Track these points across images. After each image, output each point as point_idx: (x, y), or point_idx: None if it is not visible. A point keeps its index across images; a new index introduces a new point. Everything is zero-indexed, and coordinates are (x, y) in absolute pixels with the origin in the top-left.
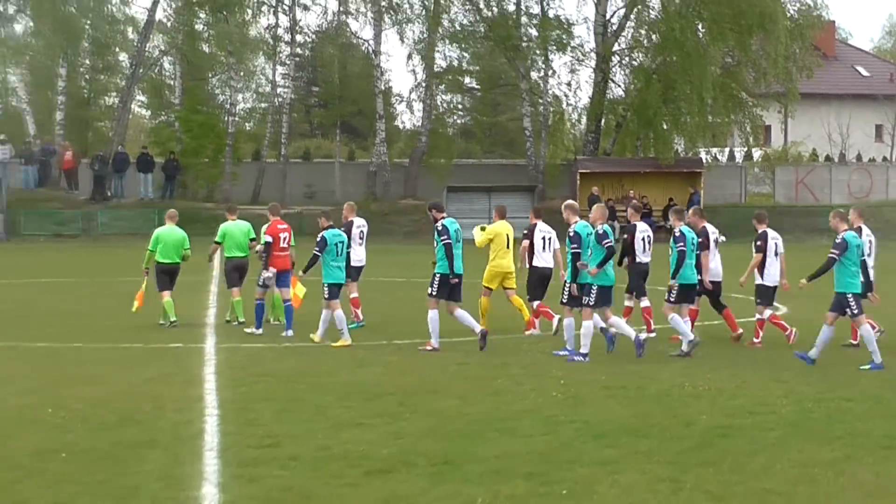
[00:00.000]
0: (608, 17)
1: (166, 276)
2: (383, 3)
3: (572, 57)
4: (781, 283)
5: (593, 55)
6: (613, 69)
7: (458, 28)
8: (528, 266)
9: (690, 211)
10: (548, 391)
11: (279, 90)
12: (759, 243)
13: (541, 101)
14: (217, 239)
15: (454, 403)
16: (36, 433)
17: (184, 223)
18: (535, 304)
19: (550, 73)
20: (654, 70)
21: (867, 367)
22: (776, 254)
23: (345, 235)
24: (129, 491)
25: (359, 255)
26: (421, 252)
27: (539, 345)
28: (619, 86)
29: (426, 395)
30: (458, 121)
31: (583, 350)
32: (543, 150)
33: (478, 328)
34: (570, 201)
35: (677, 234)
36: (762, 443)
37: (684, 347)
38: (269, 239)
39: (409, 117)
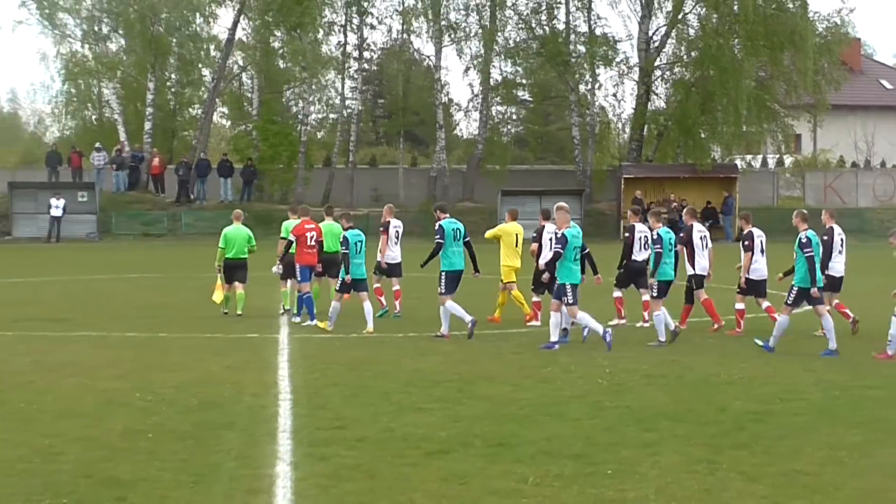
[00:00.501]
0: (650, 34)
1: (233, 270)
2: (443, 23)
3: (617, 71)
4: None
5: (637, 69)
6: (655, 82)
7: (512, 45)
8: (535, 263)
9: (685, 210)
10: (594, 379)
11: (348, 102)
12: (746, 242)
13: (588, 111)
14: (283, 235)
15: (508, 389)
16: (125, 415)
17: (260, 224)
18: (536, 298)
19: (597, 86)
20: (693, 83)
21: (825, 353)
22: (762, 251)
23: (363, 235)
24: (210, 468)
25: (394, 253)
26: (477, 250)
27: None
28: (661, 98)
29: (482, 381)
30: (512, 130)
31: (552, 339)
32: (590, 157)
33: (468, 318)
34: (561, 204)
35: (655, 237)
36: (792, 427)
37: (661, 339)
38: (293, 238)
39: (466, 127)
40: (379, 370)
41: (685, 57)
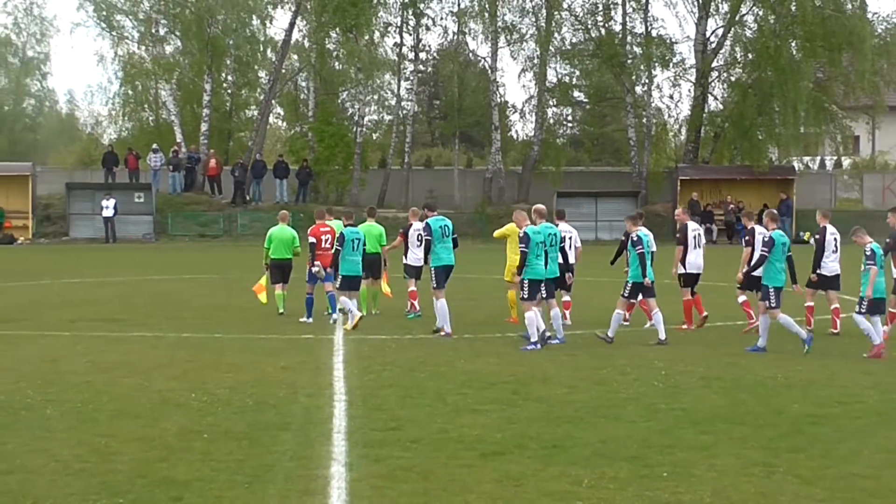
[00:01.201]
0: (708, 35)
1: (279, 270)
2: (499, 24)
3: (674, 73)
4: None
5: (693, 71)
6: (712, 84)
7: (568, 46)
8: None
9: (679, 209)
10: (649, 381)
11: (403, 103)
12: (747, 238)
13: (644, 113)
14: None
15: (563, 391)
16: (180, 416)
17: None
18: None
19: (653, 87)
20: (751, 85)
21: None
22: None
23: (362, 233)
24: (265, 469)
25: (417, 256)
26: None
27: (641, 338)
28: (717, 99)
29: (537, 383)
30: (568, 131)
31: (532, 338)
32: (647, 159)
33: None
34: (531, 207)
35: (635, 239)
36: (850, 430)
37: (610, 333)
38: (313, 240)
39: (522, 128)
40: (434, 371)
41: (742, 58)
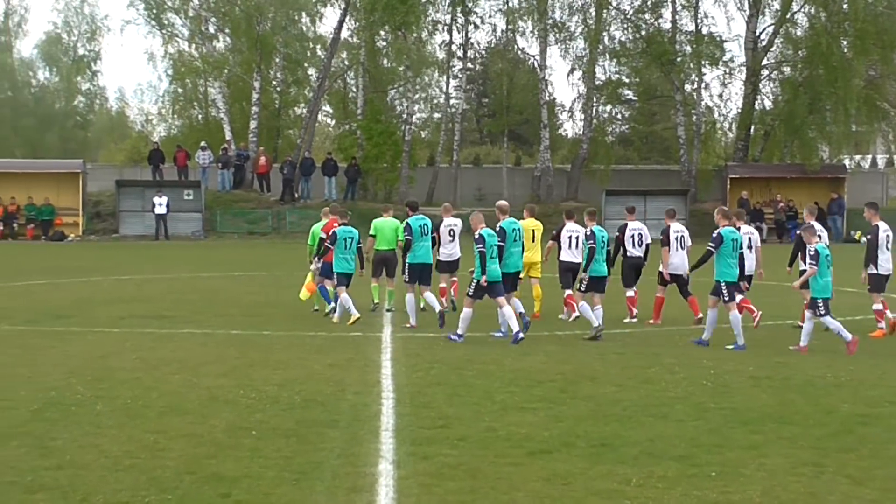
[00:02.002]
0: (758, 33)
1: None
2: (548, 22)
3: (724, 71)
4: (757, 273)
5: (743, 69)
6: (762, 82)
7: (617, 45)
8: (548, 259)
9: (665, 212)
10: (698, 380)
11: (452, 101)
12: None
13: (694, 111)
14: (371, 233)
15: (611, 390)
16: (229, 412)
17: (364, 222)
18: (567, 293)
19: (703, 85)
20: (802, 83)
21: (731, 346)
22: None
23: (356, 231)
24: (313, 466)
25: (449, 251)
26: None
27: (690, 336)
28: (768, 97)
29: (585, 381)
30: (617, 129)
31: (459, 331)
32: (696, 157)
33: (438, 307)
34: (501, 202)
35: (588, 233)
36: None
37: (591, 332)
38: (323, 236)
39: (571, 126)
40: (482, 369)
41: (793, 56)
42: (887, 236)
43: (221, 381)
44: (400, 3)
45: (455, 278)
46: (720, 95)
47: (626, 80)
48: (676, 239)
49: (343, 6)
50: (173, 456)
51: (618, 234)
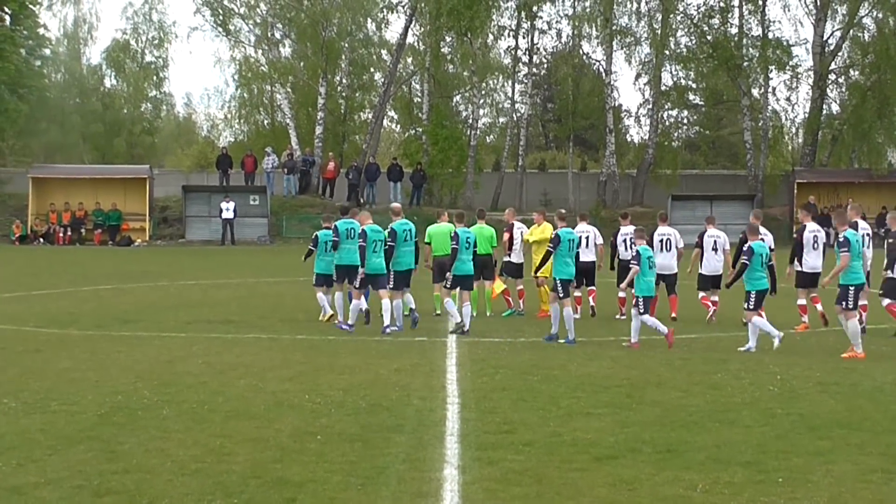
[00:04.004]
0: (825, 38)
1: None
2: (614, 27)
3: (791, 75)
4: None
5: (811, 73)
6: (830, 86)
7: (683, 49)
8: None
9: (658, 215)
10: (764, 385)
11: (517, 106)
12: (697, 240)
13: (761, 116)
14: (426, 240)
15: (677, 395)
16: (294, 417)
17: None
18: (576, 293)
19: (770, 90)
20: (869, 87)
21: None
22: (714, 249)
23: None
24: (378, 471)
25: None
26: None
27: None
28: (835, 101)
29: (651, 387)
30: (683, 134)
31: (398, 324)
32: (763, 162)
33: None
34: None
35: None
36: None
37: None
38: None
39: (637, 131)
40: (547, 374)
41: (861, 60)
42: (815, 237)
43: (287, 386)
44: (465, 9)
45: (521, 286)
46: (787, 100)
47: (693, 85)
48: (660, 241)
49: (409, 11)
50: (239, 460)
51: (612, 237)
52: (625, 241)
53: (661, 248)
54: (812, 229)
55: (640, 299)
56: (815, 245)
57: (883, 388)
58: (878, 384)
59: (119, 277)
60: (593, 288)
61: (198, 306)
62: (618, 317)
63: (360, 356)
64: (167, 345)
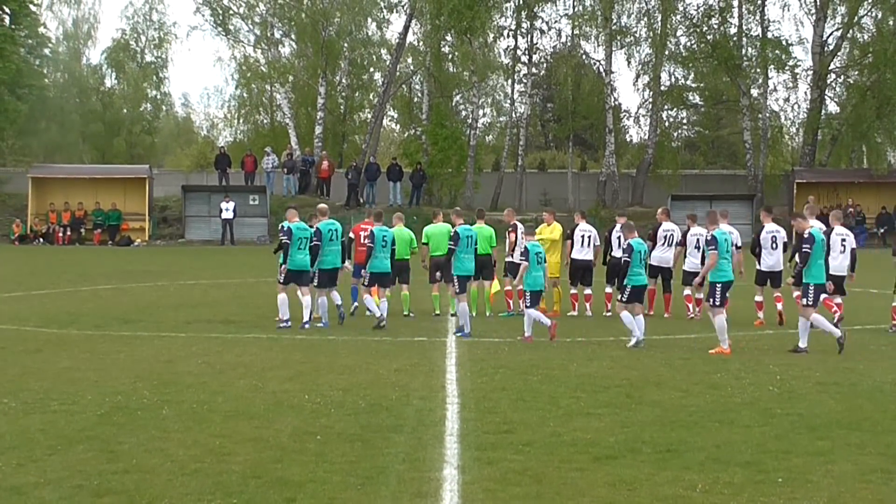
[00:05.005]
0: (825, 38)
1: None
2: (613, 27)
3: (790, 75)
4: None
5: (810, 73)
6: (829, 86)
7: (683, 50)
8: (568, 260)
9: (660, 210)
10: (764, 385)
11: (516, 106)
12: (681, 238)
13: (760, 116)
14: (423, 240)
15: (677, 395)
16: (294, 417)
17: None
18: (573, 290)
19: (770, 90)
20: (869, 87)
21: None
22: (696, 247)
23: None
24: (377, 471)
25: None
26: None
27: (757, 342)
28: (835, 101)
29: (650, 387)
30: (683, 134)
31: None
32: (762, 162)
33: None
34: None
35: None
36: None
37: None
38: (352, 236)
39: (636, 131)
40: (547, 374)
41: (860, 60)
42: (773, 237)
43: (287, 386)
44: (466, 9)
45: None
46: (787, 100)
47: (692, 85)
48: (664, 237)
49: (409, 11)
50: (239, 460)
51: (606, 233)
52: (619, 238)
53: (665, 243)
54: (770, 230)
55: (528, 293)
56: (774, 245)
57: (882, 388)
58: (878, 384)
59: (119, 277)
60: (590, 293)
61: (198, 306)
62: (606, 314)
63: (360, 356)
64: (167, 345)
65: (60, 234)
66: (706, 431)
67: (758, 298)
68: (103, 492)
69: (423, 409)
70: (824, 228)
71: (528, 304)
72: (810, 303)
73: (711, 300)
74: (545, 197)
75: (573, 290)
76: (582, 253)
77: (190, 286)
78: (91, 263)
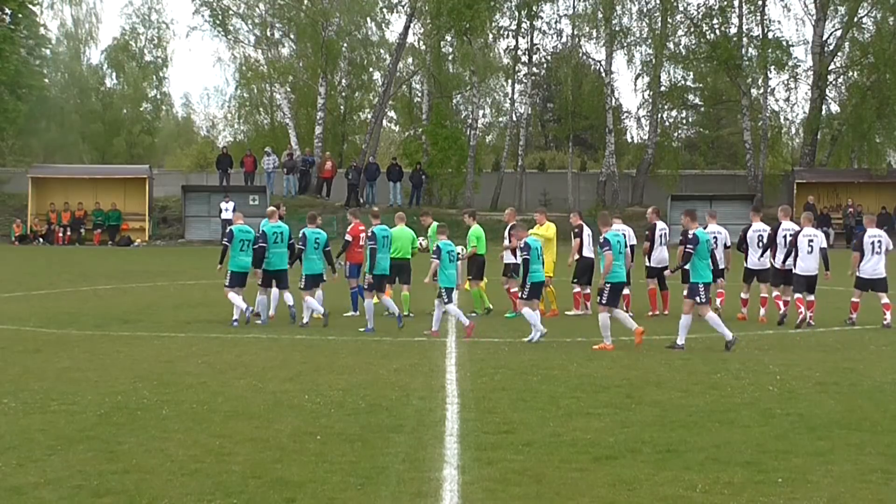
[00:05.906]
0: (825, 38)
1: (397, 271)
2: (614, 27)
3: (790, 75)
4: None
5: (810, 73)
6: (829, 86)
7: (683, 50)
8: (576, 257)
9: (650, 209)
10: (764, 385)
11: (517, 106)
12: (647, 233)
13: (760, 116)
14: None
15: (677, 395)
16: (294, 417)
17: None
18: (576, 289)
19: (770, 90)
20: (869, 87)
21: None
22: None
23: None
24: (377, 471)
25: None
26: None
27: (756, 342)
28: (835, 102)
29: (651, 387)
30: (683, 134)
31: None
32: (762, 162)
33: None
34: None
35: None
36: None
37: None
38: (350, 238)
39: (636, 131)
40: (547, 375)
41: (860, 60)
42: (759, 236)
43: (287, 386)
44: (466, 9)
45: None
46: (786, 100)
47: (692, 85)
48: (660, 236)
49: (409, 11)
50: (238, 460)
51: (575, 231)
52: (589, 235)
53: (661, 242)
54: (757, 228)
55: (443, 290)
56: (760, 243)
57: (883, 388)
58: (878, 384)
59: (118, 277)
60: (589, 292)
61: (197, 306)
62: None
63: (360, 356)
64: (166, 345)
65: (60, 234)
66: (706, 431)
67: (743, 295)
68: (103, 492)
69: (423, 410)
70: (795, 229)
71: (446, 301)
72: (703, 301)
73: (600, 298)
74: (545, 197)
75: (576, 290)
76: (590, 251)
77: (190, 286)
78: (91, 263)
